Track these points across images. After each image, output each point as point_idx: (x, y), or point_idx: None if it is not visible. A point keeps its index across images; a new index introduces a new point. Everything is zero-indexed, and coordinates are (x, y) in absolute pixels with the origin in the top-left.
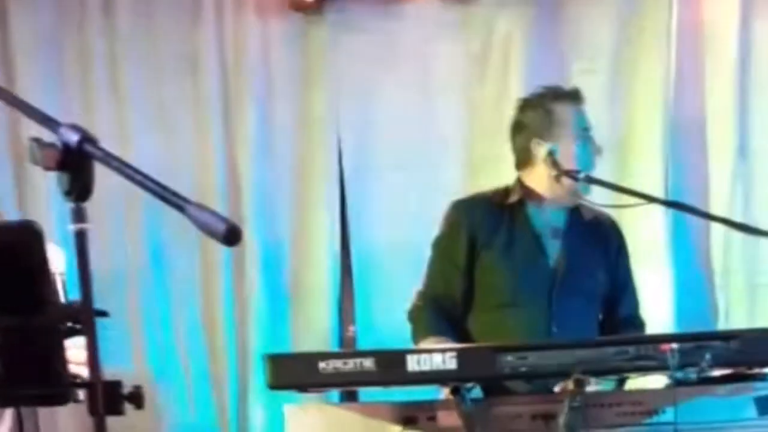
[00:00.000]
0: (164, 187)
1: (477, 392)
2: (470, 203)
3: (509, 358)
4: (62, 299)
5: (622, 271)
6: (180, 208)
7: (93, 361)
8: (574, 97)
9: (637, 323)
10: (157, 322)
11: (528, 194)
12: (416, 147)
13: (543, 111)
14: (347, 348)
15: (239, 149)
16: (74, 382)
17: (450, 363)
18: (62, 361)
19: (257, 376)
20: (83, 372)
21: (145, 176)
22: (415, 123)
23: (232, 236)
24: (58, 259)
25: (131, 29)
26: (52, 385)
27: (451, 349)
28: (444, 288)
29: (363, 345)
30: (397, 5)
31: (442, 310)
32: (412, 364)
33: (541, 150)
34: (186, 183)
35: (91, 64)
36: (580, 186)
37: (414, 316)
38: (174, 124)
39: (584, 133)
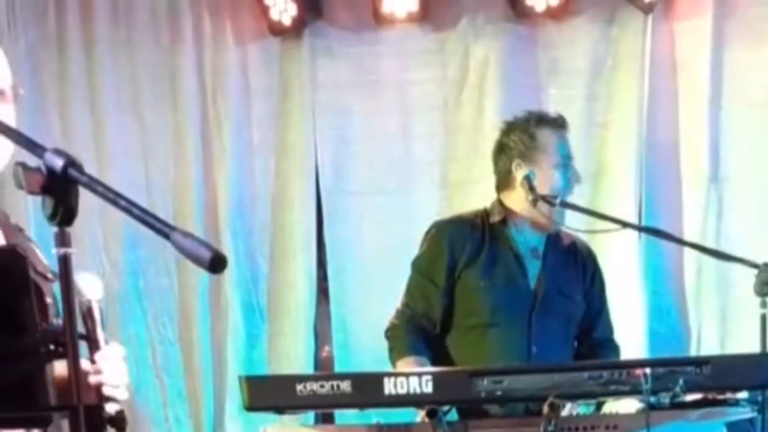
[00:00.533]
0: (149, 214)
1: (453, 415)
2: (452, 223)
3: (485, 381)
4: (99, 327)
5: (597, 297)
6: (165, 236)
7: (76, 383)
8: (558, 123)
9: (612, 346)
10: (134, 340)
11: (509, 215)
12: (393, 170)
13: (527, 135)
14: (323, 368)
15: (217, 171)
16: (55, 405)
17: (426, 386)
18: (44, 384)
19: (234, 396)
20: (119, 394)
21: (130, 202)
22: (392, 146)
23: (216, 264)
24: (94, 287)
25: (110, 55)
26: (34, 408)
27: (427, 373)
28: (423, 307)
29: (339, 366)
30: (374, 30)
31: (420, 329)
32: (389, 387)
33: (520, 173)
34: (164, 203)
35: (70, 88)
36: (556, 212)
37: (392, 334)
38: (153, 148)
39: (565, 160)
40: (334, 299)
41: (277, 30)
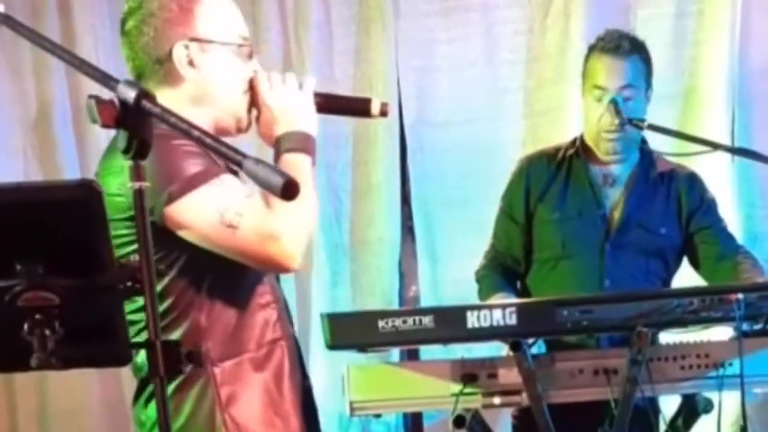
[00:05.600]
0: (221, 143)
1: (540, 346)
2: (529, 158)
3: (570, 312)
4: None
5: (701, 220)
6: (238, 164)
7: (152, 321)
8: (605, 48)
9: (741, 256)
10: None
11: (586, 147)
12: (477, 99)
13: (584, 59)
14: (409, 306)
15: None
16: (133, 342)
17: (510, 318)
18: (122, 321)
19: (318, 335)
20: None
21: (203, 132)
22: (476, 75)
23: (289, 190)
24: None
25: None
26: (113, 346)
27: (511, 304)
28: (506, 245)
29: (426, 302)
30: None
31: (505, 267)
32: (472, 320)
33: (584, 100)
34: (247, 139)
35: None
36: (610, 144)
37: (479, 276)
38: None
39: (597, 90)
40: (420, 233)
41: None
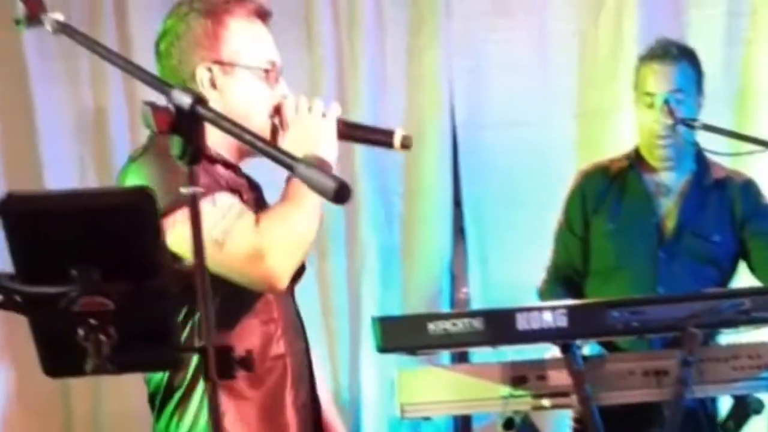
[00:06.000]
0: (274, 146)
1: (595, 347)
2: (585, 172)
3: (621, 313)
4: None
5: (759, 226)
6: (289, 168)
7: (206, 325)
8: (653, 55)
9: None
10: None
11: (640, 157)
12: (528, 100)
13: (635, 69)
14: (460, 308)
15: (352, 109)
16: (186, 346)
17: (560, 320)
18: (175, 326)
19: (370, 338)
20: None
21: (255, 136)
22: (527, 76)
23: (341, 194)
24: None
25: None
26: (166, 350)
27: (561, 306)
28: (566, 257)
29: (477, 305)
30: None
31: (567, 280)
32: (522, 322)
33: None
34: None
35: None
36: (664, 151)
37: (542, 290)
38: (288, 86)
39: (648, 98)
40: (471, 235)
41: None
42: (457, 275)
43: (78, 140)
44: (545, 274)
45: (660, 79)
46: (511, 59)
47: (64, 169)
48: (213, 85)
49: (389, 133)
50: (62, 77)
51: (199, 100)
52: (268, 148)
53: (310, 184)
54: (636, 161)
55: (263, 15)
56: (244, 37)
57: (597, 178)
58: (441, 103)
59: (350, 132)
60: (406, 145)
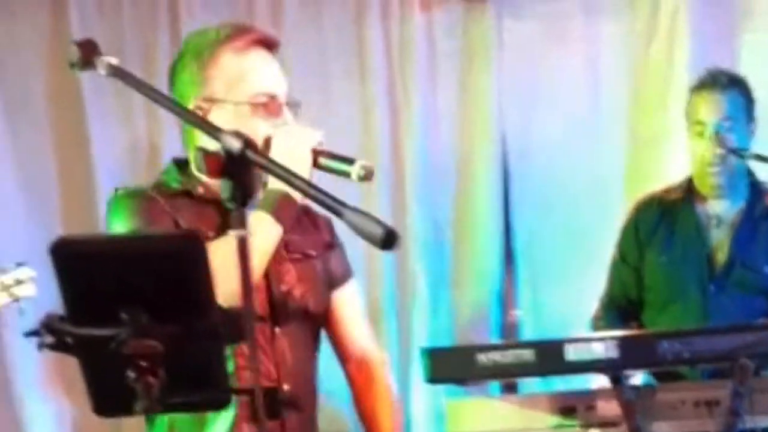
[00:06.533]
0: (323, 192)
1: (646, 378)
2: (639, 203)
3: (671, 344)
4: None
5: None
6: (338, 213)
7: (253, 366)
8: (703, 84)
9: None
10: None
11: (693, 188)
12: (580, 129)
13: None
14: (509, 332)
15: (404, 139)
16: (234, 388)
17: (611, 351)
18: (223, 366)
19: (418, 367)
20: None
21: (304, 181)
22: (579, 105)
23: (389, 241)
24: None
25: (298, 27)
26: (213, 390)
27: (611, 337)
28: (620, 288)
29: (526, 329)
30: None
31: (620, 311)
32: (571, 353)
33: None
34: None
35: None
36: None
37: (595, 321)
38: (340, 119)
39: (698, 126)
40: (521, 261)
41: None
42: (506, 299)
43: (132, 176)
44: (598, 303)
45: (710, 108)
46: (563, 88)
47: None
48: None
49: (350, 161)
50: (117, 114)
51: (249, 144)
52: (316, 192)
53: (358, 230)
54: (689, 191)
55: (267, 44)
56: (235, 73)
57: (651, 209)
58: (492, 131)
59: (317, 161)
60: (364, 177)
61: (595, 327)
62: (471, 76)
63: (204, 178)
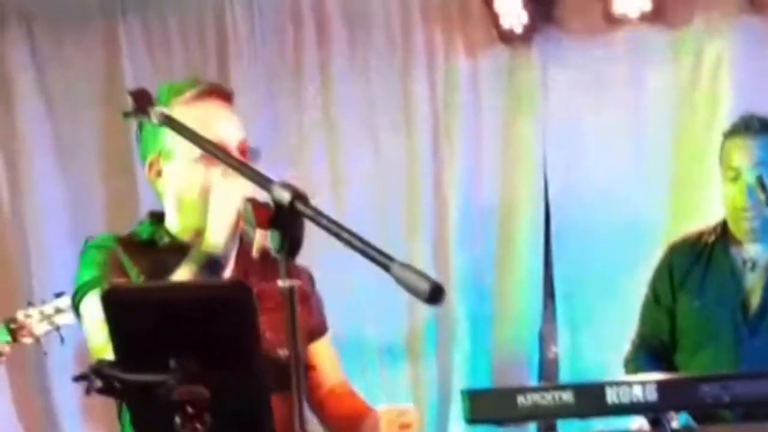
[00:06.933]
0: (370, 246)
1: (684, 419)
2: (674, 246)
3: (712, 387)
4: None
5: None
6: (385, 267)
7: (299, 412)
8: (736, 130)
9: None
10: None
11: (727, 231)
12: (623, 174)
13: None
14: (548, 369)
15: (447, 184)
16: None
17: (650, 394)
18: (269, 412)
19: (458, 406)
20: None
21: (352, 234)
22: (622, 151)
23: (435, 296)
24: None
25: (345, 72)
26: None
27: (651, 381)
28: (652, 329)
29: (565, 368)
30: (605, 33)
31: (652, 350)
32: (612, 395)
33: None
34: (395, 217)
35: (306, 111)
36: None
37: (627, 361)
38: (386, 170)
39: (733, 172)
40: (561, 305)
41: (507, 38)
42: (546, 337)
43: None
44: (630, 345)
45: (742, 154)
46: (606, 133)
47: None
48: (158, 173)
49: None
50: None
51: (298, 196)
52: (366, 248)
53: (405, 285)
54: (723, 235)
55: (219, 95)
56: (186, 122)
57: (685, 252)
58: (535, 177)
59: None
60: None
61: (627, 369)
62: (515, 122)
63: (173, 229)
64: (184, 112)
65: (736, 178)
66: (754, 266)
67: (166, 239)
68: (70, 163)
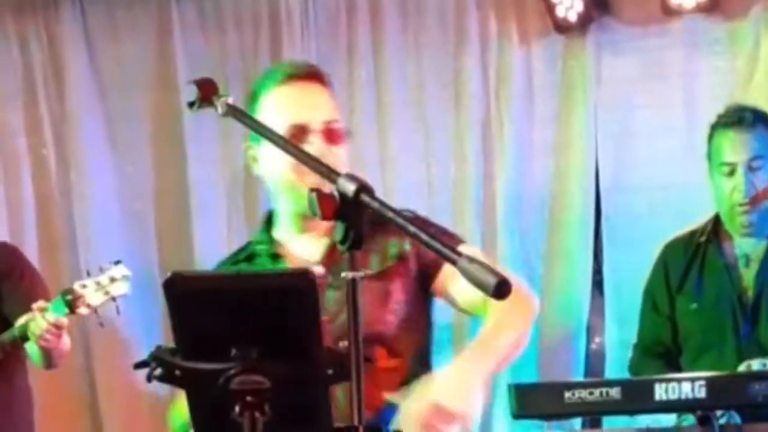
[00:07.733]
0: (437, 240)
1: (733, 417)
2: (667, 247)
3: (761, 385)
4: None
5: None
6: (452, 261)
7: (357, 406)
8: (725, 123)
9: None
10: None
11: (719, 228)
12: (674, 165)
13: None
14: (594, 360)
15: (497, 170)
16: (338, 426)
17: (699, 391)
18: (327, 405)
19: (502, 400)
20: None
21: (419, 227)
22: (674, 141)
23: (501, 290)
24: None
25: (397, 55)
26: (317, 429)
27: (700, 378)
28: (654, 337)
29: (612, 362)
30: (661, 23)
31: (655, 356)
32: (660, 392)
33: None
34: (444, 202)
35: (357, 93)
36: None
37: (632, 369)
38: (435, 148)
39: (722, 167)
40: (610, 297)
41: (562, 27)
42: (593, 328)
43: (226, 195)
44: (633, 350)
45: (737, 148)
46: (658, 123)
47: (212, 223)
48: (254, 159)
49: None
50: (216, 136)
51: (364, 188)
52: (432, 240)
53: (472, 279)
54: (714, 232)
55: (305, 76)
56: (271, 110)
57: (678, 254)
58: (586, 165)
59: None
60: None
61: (634, 372)
62: (567, 109)
63: (283, 239)
64: (269, 98)
65: (731, 173)
66: (748, 262)
67: (279, 250)
68: (120, 144)
